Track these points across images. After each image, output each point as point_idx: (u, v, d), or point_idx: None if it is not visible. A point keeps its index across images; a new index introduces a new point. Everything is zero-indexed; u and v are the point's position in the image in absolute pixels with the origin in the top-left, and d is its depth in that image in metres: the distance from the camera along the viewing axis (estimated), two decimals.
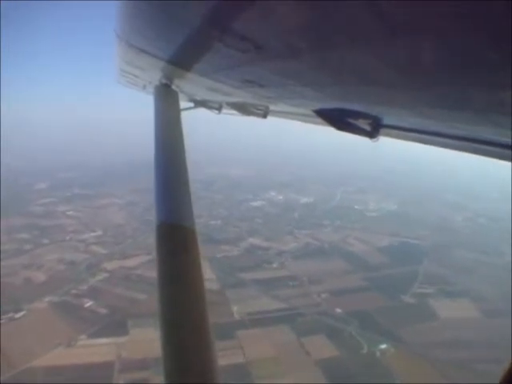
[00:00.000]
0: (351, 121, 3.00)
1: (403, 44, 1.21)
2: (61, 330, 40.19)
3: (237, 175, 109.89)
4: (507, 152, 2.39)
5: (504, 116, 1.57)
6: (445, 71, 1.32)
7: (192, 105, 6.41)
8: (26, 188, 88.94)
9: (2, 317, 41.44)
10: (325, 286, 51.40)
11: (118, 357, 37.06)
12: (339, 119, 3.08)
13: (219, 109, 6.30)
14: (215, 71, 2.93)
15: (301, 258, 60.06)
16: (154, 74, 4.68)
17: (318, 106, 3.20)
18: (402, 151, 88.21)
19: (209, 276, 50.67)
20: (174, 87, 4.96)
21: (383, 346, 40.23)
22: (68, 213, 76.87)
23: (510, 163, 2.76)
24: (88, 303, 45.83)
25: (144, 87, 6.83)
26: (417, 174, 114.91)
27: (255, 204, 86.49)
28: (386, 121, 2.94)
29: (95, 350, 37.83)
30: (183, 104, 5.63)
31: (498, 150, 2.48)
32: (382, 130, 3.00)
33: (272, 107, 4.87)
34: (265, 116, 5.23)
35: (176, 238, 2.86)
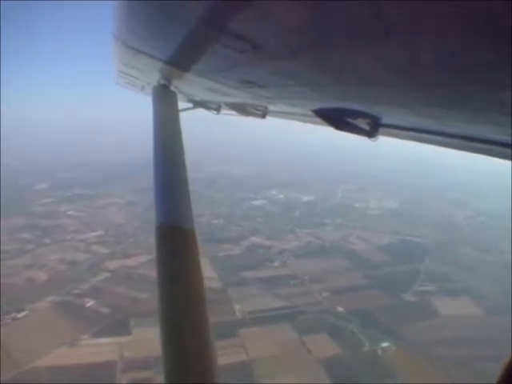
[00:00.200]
0: (350, 120, 3.01)
1: (402, 43, 1.20)
2: (63, 330, 40.23)
3: (237, 174, 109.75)
4: (507, 151, 2.40)
5: (504, 115, 1.58)
6: (444, 70, 1.31)
7: (191, 105, 6.39)
8: (26, 188, 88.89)
9: (5, 317, 41.48)
10: (326, 285, 51.37)
11: (121, 356, 37.09)
12: (338, 119, 3.08)
13: (218, 109, 6.28)
14: (213, 72, 2.93)
15: (302, 256, 60.04)
16: (152, 74, 4.66)
17: (317, 105, 3.21)
18: (402, 149, 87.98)
19: (211, 275, 50.69)
20: (172, 88, 4.94)
21: (385, 344, 40.20)
22: (69, 213, 76.83)
23: (509, 162, 2.77)
24: (90, 303, 45.84)
25: (142, 88, 6.80)
26: (417, 171, 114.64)
27: (256, 203, 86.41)
28: (385, 120, 2.94)
29: (98, 349, 37.85)
30: (182, 105, 5.62)
31: (497, 148, 2.48)
32: (381, 130, 3.01)
33: (271, 107, 4.86)
34: (264, 116, 5.23)
35: (175, 239, 2.87)
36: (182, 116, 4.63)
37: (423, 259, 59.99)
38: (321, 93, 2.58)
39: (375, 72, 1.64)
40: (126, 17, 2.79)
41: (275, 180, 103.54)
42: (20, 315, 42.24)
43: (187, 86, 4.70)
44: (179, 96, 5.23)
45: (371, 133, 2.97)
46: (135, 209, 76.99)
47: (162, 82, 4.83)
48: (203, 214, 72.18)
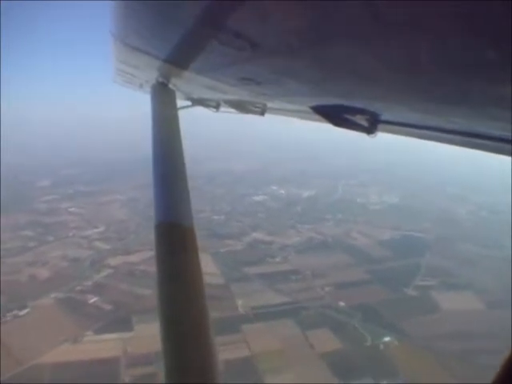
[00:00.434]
0: (349, 117, 2.99)
1: (401, 39, 1.18)
2: (66, 327, 40.43)
3: (238, 170, 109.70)
4: (507, 147, 2.39)
5: (503, 110, 1.57)
6: (443, 65, 1.30)
7: (189, 103, 6.37)
8: (28, 185, 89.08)
9: (7, 314, 41.72)
10: (328, 280, 51.47)
11: (124, 352, 37.32)
12: (337, 115, 3.07)
13: (217, 107, 6.25)
14: (212, 69, 2.92)
15: (304, 251, 60.12)
16: (150, 72, 4.64)
17: (316, 102, 3.20)
18: (400, 144, 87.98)
19: (213, 271, 50.88)
20: (170, 86, 4.92)
21: (387, 339, 40.35)
22: (71, 209, 76.98)
23: (509, 157, 2.76)
24: (93, 299, 46.04)
25: (141, 86, 6.76)
26: (416, 166, 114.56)
27: (257, 198, 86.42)
28: (384, 116, 2.93)
29: (101, 345, 38.06)
30: (180, 102, 5.61)
31: (497, 144, 2.47)
32: (380, 126, 2.99)
33: (269, 104, 4.85)
34: (262, 114, 5.22)
35: (175, 237, 2.87)
36: (181, 114, 4.62)
37: (424, 254, 60.06)
38: (319, 90, 2.57)
39: (374, 68, 1.63)
40: (123, 15, 2.78)
41: (276, 175, 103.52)
42: (22, 312, 42.44)
43: (186, 83, 4.68)
44: (178, 94, 5.22)
45: (370, 129, 2.96)
46: (137, 205, 77.06)
47: (161, 79, 4.81)
48: (204, 210, 72.32)
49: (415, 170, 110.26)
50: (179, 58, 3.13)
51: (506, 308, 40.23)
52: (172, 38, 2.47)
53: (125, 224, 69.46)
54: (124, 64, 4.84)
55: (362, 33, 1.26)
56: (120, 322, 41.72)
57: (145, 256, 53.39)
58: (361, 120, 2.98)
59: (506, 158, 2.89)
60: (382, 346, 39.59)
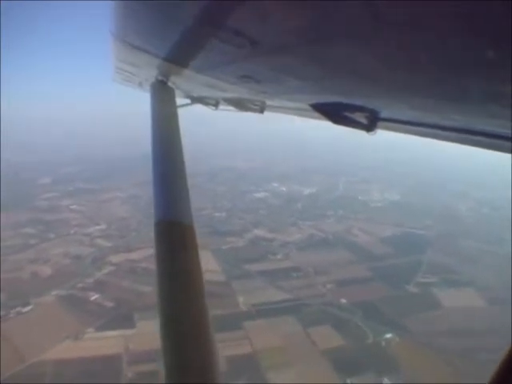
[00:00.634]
0: (348, 114, 2.99)
1: (400, 37, 1.19)
2: (68, 324, 40.55)
3: (239, 167, 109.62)
4: (507, 144, 2.38)
5: (503, 108, 1.57)
6: (442, 63, 1.29)
7: (189, 101, 6.38)
8: (29, 183, 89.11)
9: (10, 311, 41.87)
10: (329, 277, 51.49)
11: (126, 349, 37.43)
12: (336, 113, 3.07)
13: (216, 105, 6.26)
14: (211, 67, 2.92)
15: (305, 248, 60.15)
16: (149, 71, 4.64)
17: (315, 100, 3.19)
18: (402, 142, 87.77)
19: (214, 268, 50.96)
20: (170, 84, 4.92)
21: (388, 336, 40.39)
22: (72, 207, 77.04)
23: (509, 155, 2.75)
24: (94, 296, 46.15)
25: (140, 84, 6.75)
26: (417, 162, 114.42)
27: (258, 195, 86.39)
28: (384, 114, 2.93)
29: (103, 342, 38.17)
30: (180, 101, 5.62)
31: (497, 142, 2.47)
32: (380, 123, 2.99)
33: (269, 102, 4.84)
34: (262, 111, 5.22)
35: (175, 235, 2.88)
36: (181, 112, 4.62)
37: (425, 251, 60.04)
38: (318, 87, 2.57)
39: (373, 66, 1.63)
40: (123, 13, 2.78)
41: (276, 173, 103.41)
42: (25, 309, 42.59)
43: (185, 82, 4.68)
44: (177, 92, 5.21)
45: (369, 127, 2.96)
46: (138, 202, 77.05)
47: (160, 78, 4.81)
48: (206, 207, 72.34)
49: (416, 167, 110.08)
50: (178, 57, 3.13)
51: (507, 304, 40.24)
52: (171, 36, 2.47)
53: (126, 221, 69.51)
54: (123, 62, 4.83)
55: (361, 30, 1.26)
56: (122, 319, 41.84)
57: (146, 253, 53.42)
58: (360, 117, 2.98)
59: (506, 156, 2.88)
60: (383, 343, 39.64)
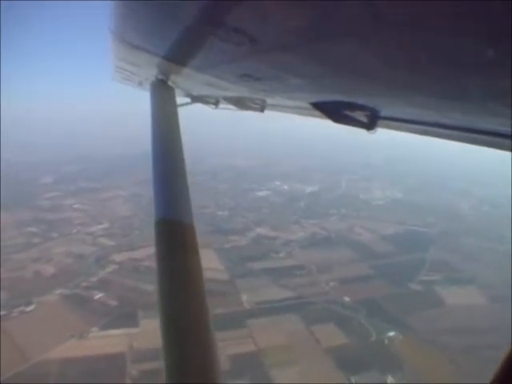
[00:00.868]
0: (348, 113, 2.99)
1: (400, 36, 1.19)
2: (72, 323, 40.67)
3: (241, 166, 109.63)
4: (507, 142, 2.38)
5: (503, 106, 1.57)
6: (442, 61, 1.29)
7: (189, 100, 6.37)
8: (31, 182, 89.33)
9: (13, 310, 42.00)
10: (332, 275, 51.50)
11: (130, 347, 37.52)
12: (336, 112, 3.07)
13: (216, 104, 6.25)
14: (211, 66, 2.92)
15: (308, 247, 60.17)
16: (149, 70, 4.64)
17: (315, 98, 3.19)
18: (403, 140, 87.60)
19: (218, 266, 51.01)
20: (170, 83, 4.92)
21: (391, 334, 40.40)
22: (74, 206, 77.20)
23: (509, 153, 2.75)
24: (98, 295, 46.26)
25: (140, 83, 6.75)
26: (419, 161, 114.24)
27: (261, 194, 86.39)
28: (384, 112, 2.92)
29: (107, 341, 38.26)
30: (180, 100, 5.61)
31: (497, 140, 2.47)
32: (380, 122, 2.98)
33: (269, 101, 4.84)
34: (262, 110, 5.21)
35: (175, 234, 2.89)
36: (181, 111, 4.62)
37: (428, 249, 59.98)
38: (318, 86, 2.57)
39: (373, 64, 1.63)
40: (122, 12, 2.77)
41: (278, 171, 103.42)
42: (28, 308, 42.70)
43: (185, 80, 4.68)
44: (177, 91, 5.21)
45: (369, 125, 2.95)
46: (140, 201, 77.11)
47: (160, 77, 4.81)
48: (208, 206, 72.41)
49: (417, 165, 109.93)
50: (178, 56, 3.13)
51: (507, 302, 40.20)
52: (171, 35, 2.47)
53: (128, 220, 69.62)
54: (123, 61, 4.83)
55: (361, 29, 1.26)
56: (125, 317, 41.91)
57: (149, 252, 53.36)
58: (360, 116, 2.97)
59: (506, 153, 2.87)
60: (386, 341, 39.65)
